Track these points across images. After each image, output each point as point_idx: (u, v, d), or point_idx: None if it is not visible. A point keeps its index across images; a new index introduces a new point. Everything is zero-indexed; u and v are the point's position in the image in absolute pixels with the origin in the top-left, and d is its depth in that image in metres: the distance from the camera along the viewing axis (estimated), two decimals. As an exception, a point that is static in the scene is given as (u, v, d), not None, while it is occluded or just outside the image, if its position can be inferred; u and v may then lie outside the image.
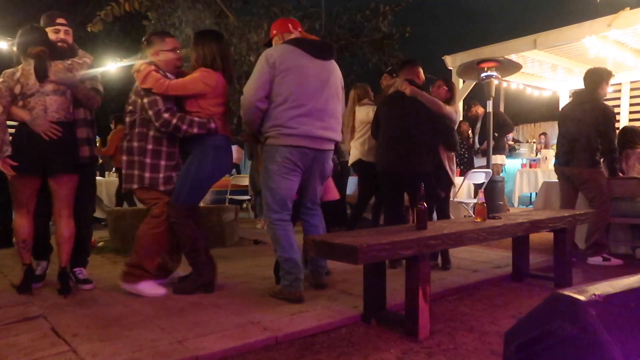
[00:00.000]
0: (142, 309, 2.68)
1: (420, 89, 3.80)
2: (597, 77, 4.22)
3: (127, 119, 3.04)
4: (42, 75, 2.92)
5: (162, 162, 2.99)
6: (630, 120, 8.27)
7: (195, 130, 2.90)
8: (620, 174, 4.34)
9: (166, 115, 2.87)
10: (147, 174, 2.96)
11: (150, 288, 2.97)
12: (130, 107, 3.01)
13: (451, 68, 7.63)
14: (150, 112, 2.89)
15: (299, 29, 3.06)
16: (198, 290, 2.99)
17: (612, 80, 4.37)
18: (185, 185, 2.95)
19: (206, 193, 3.17)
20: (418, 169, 3.61)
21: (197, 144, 2.98)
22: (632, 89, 8.41)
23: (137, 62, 3.04)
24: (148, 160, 2.95)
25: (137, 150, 2.96)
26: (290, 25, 3.06)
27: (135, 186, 2.97)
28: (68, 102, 3.04)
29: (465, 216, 5.50)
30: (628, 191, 4.21)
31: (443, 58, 7.76)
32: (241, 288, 3.18)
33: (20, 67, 2.97)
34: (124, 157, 3.02)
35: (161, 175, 2.98)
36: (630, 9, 5.59)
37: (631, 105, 8.46)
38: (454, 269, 3.71)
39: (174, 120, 2.87)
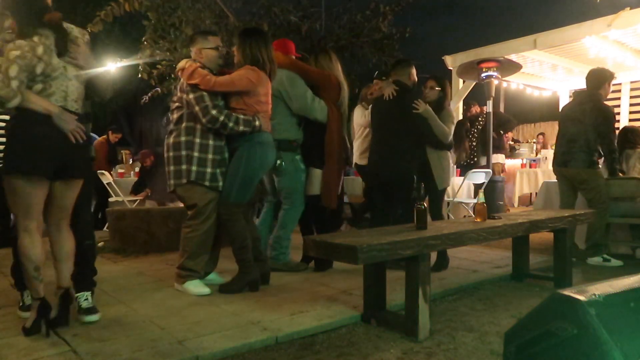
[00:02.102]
0: (142, 309, 2.68)
1: (408, 90, 3.70)
2: (599, 78, 4.22)
3: (174, 115, 3.06)
4: (63, 50, 2.31)
5: (209, 156, 3.01)
6: (630, 120, 8.26)
7: (241, 128, 2.94)
8: (621, 174, 4.34)
9: (214, 111, 2.90)
10: (194, 168, 2.97)
11: (194, 287, 3.01)
12: (177, 104, 3.04)
13: (451, 68, 7.62)
14: (197, 108, 2.91)
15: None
16: (244, 288, 3.02)
17: (612, 81, 4.36)
18: (235, 182, 3.00)
19: (254, 189, 3.18)
20: (395, 172, 3.59)
21: (243, 141, 3.02)
22: (632, 89, 8.40)
23: (182, 61, 3.05)
24: (196, 154, 2.97)
25: (185, 144, 2.98)
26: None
27: (184, 181, 2.98)
28: (82, 92, 2.49)
29: (465, 216, 5.50)
30: (628, 191, 4.21)
31: (443, 58, 7.75)
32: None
33: (37, 39, 2.22)
34: (170, 154, 3.02)
35: (208, 170, 3.00)
36: (630, 9, 5.59)
37: (631, 105, 8.46)
38: (454, 269, 3.71)
39: (222, 117, 2.90)
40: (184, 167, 2.97)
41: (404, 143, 3.61)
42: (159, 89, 10.12)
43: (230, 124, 2.91)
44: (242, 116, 2.97)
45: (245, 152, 3.01)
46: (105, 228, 6.01)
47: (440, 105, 3.76)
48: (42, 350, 2.09)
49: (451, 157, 3.98)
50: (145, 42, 8.57)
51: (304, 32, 10.00)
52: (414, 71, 3.82)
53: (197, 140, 2.98)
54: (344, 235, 2.53)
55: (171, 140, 3.03)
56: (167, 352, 2.07)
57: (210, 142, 3.01)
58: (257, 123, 2.98)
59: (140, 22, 9.05)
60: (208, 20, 9.09)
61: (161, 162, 7.82)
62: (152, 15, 8.65)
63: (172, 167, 3.02)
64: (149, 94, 10.13)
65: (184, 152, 2.98)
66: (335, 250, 2.20)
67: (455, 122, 3.92)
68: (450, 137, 3.76)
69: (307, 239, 2.36)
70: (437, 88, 3.81)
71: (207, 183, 2.99)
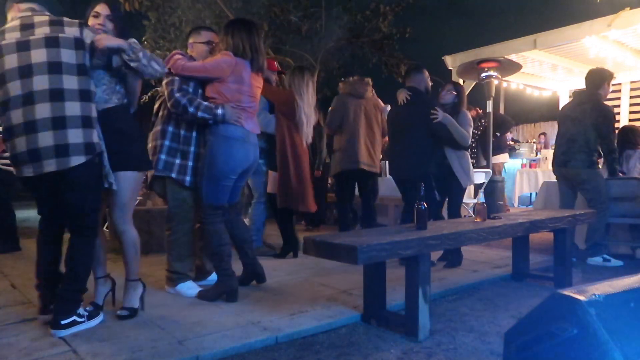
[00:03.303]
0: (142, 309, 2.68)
1: (421, 95, 3.94)
2: (598, 78, 4.22)
3: (156, 105, 3.02)
4: None
5: (180, 147, 2.91)
6: (630, 120, 8.26)
7: (200, 113, 2.75)
8: (621, 175, 4.34)
9: (177, 94, 2.78)
10: (162, 156, 2.89)
11: (187, 289, 2.99)
12: (159, 94, 3.02)
13: (451, 68, 7.61)
14: (166, 92, 2.85)
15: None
16: (220, 297, 2.86)
17: (612, 81, 4.36)
18: (203, 181, 2.86)
19: (229, 190, 2.93)
20: (411, 172, 3.86)
21: (209, 134, 2.84)
22: (632, 89, 8.40)
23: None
24: (167, 143, 2.90)
25: (160, 133, 2.93)
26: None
27: (154, 172, 2.90)
28: None
29: (465, 216, 5.50)
30: (628, 191, 4.21)
31: (443, 58, 7.75)
32: (241, 288, 3.17)
33: None
34: (150, 144, 2.96)
35: (177, 161, 2.90)
36: (630, 9, 5.58)
37: (631, 105, 8.45)
38: (454, 269, 3.72)
39: (183, 101, 2.76)
40: (155, 156, 2.89)
41: (421, 145, 3.83)
42: (158, 88, 10.15)
43: (191, 109, 2.75)
44: (205, 103, 2.78)
45: (210, 146, 2.82)
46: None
47: (456, 109, 3.95)
48: (42, 350, 2.09)
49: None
50: (145, 42, 8.59)
51: (304, 32, 10.00)
52: (426, 77, 4.02)
53: (170, 129, 2.91)
54: (344, 235, 2.53)
55: (151, 131, 3.00)
56: (167, 352, 2.07)
57: (182, 131, 2.92)
58: (219, 111, 2.75)
59: (140, 22, 9.06)
60: (208, 20, 9.10)
61: None
62: (152, 15, 8.67)
63: (151, 157, 2.89)
64: (149, 94, 10.14)
65: (158, 142, 2.92)
66: (335, 250, 2.20)
67: (472, 124, 4.07)
68: (469, 140, 3.96)
69: (307, 239, 2.36)
70: (453, 92, 4.02)
71: (174, 175, 2.90)
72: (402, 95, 3.92)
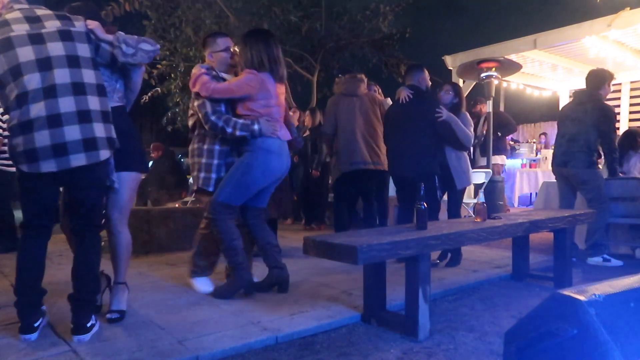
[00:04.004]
0: (142, 309, 2.68)
1: (423, 94, 3.89)
2: (599, 78, 4.23)
3: (190, 122, 3.11)
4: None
5: (215, 162, 3.00)
6: (630, 120, 8.27)
7: (238, 132, 2.87)
8: (621, 175, 4.34)
9: (213, 117, 2.88)
10: (202, 174, 3.00)
11: (200, 284, 3.05)
12: (191, 111, 3.07)
13: (451, 68, 7.62)
14: (200, 115, 2.93)
15: None
16: (237, 292, 2.92)
17: (612, 82, 4.37)
18: (229, 184, 2.92)
19: (251, 195, 3.01)
20: (416, 171, 3.72)
21: (248, 146, 2.94)
22: (632, 89, 8.41)
23: (195, 66, 3.05)
24: (204, 160, 3.00)
25: (197, 151, 3.03)
26: None
27: (195, 187, 3.05)
28: None
29: (465, 216, 5.50)
30: (628, 191, 4.21)
31: (443, 58, 7.75)
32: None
33: None
34: (190, 161, 3.11)
35: (213, 176, 2.99)
36: (630, 9, 5.59)
37: (631, 105, 8.46)
38: (454, 269, 3.72)
39: (220, 124, 2.87)
40: (195, 174, 3.05)
41: (425, 144, 3.76)
42: (159, 89, 10.13)
43: (229, 129, 2.87)
44: (241, 121, 2.90)
45: (248, 157, 2.93)
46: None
47: (456, 110, 3.92)
48: (42, 350, 2.09)
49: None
50: (145, 42, 8.57)
51: (304, 32, 10.00)
52: (426, 75, 3.97)
53: (205, 146, 3.01)
54: (344, 235, 2.53)
55: (189, 147, 3.11)
56: (167, 352, 2.07)
57: (216, 147, 3.01)
58: (255, 127, 2.88)
59: (140, 22, 9.05)
60: (208, 20, 9.09)
61: (168, 155, 7.81)
62: (152, 15, 8.66)
63: (192, 174, 3.13)
64: (149, 94, 10.14)
65: (196, 159, 3.04)
66: (335, 250, 2.20)
67: (472, 124, 4.06)
68: (473, 140, 3.94)
69: (307, 239, 2.36)
70: (451, 92, 4.01)
71: (211, 189, 2.99)
72: (404, 94, 3.86)
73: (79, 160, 2.11)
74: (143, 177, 3.07)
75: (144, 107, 10.89)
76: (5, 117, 2.63)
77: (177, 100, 10.37)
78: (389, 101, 4.50)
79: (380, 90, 4.86)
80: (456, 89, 4.09)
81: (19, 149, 2.09)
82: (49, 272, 2.47)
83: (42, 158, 2.07)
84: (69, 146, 2.08)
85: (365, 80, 4.45)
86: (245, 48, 2.99)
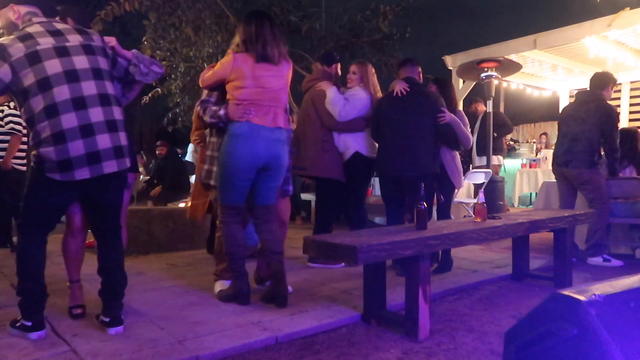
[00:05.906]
0: (142, 309, 2.68)
1: (421, 87, 3.71)
2: (603, 80, 4.28)
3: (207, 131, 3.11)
4: None
5: (215, 154, 2.92)
6: (630, 120, 8.27)
7: (207, 119, 2.79)
8: (621, 175, 4.34)
9: (198, 107, 2.89)
10: (206, 166, 2.98)
11: (218, 286, 3.02)
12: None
13: (451, 68, 7.62)
14: None
15: None
16: (230, 300, 2.80)
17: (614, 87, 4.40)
18: (219, 181, 2.83)
19: (243, 190, 2.79)
20: (420, 171, 3.52)
21: (223, 134, 2.81)
22: (632, 89, 8.41)
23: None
24: (208, 152, 2.99)
25: (210, 144, 3.00)
26: None
27: (205, 181, 2.98)
28: None
29: (465, 216, 5.50)
30: (628, 191, 4.21)
31: (443, 58, 7.75)
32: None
33: None
34: (207, 153, 3.03)
35: (214, 168, 2.92)
36: (630, 9, 5.59)
37: (631, 105, 8.46)
38: (454, 269, 3.71)
39: (201, 112, 2.85)
40: (206, 166, 3.01)
41: (427, 145, 3.56)
42: (159, 89, 10.12)
43: (205, 117, 2.81)
44: (214, 107, 2.78)
45: (222, 146, 2.77)
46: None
47: (451, 110, 3.73)
48: (42, 350, 2.09)
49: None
50: (145, 42, 8.57)
51: (304, 32, 9.99)
52: (419, 71, 3.81)
53: (212, 139, 3.00)
54: (344, 235, 2.53)
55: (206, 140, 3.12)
56: (167, 352, 2.07)
57: (214, 139, 2.96)
58: (221, 112, 2.71)
59: (140, 22, 9.05)
60: (208, 20, 9.08)
61: (173, 153, 7.75)
62: (152, 15, 8.64)
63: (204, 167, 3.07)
64: (149, 94, 10.13)
65: (209, 152, 3.00)
66: (335, 250, 2.20)
67: (468, 123, 3.93)
68: (471, 141, 3.85)
69: (307, 239, 2.36)
70: (433, 86, 3.85)
71: (212, 182, 2.94)
72: (399, 87, 3.58)
73: (111, 167, 2.24)
74: (147, 178, 3.12)
75: (144, 107, 10.89)
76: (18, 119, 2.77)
77: (178, 100, 10.36)
78: (331, 91, 3.87)
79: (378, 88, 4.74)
80: (441, 86, 3.86)
81: (51, 158, 2.12)
82: (49, 272, 2.48)
83: (76, 167, 2.16)
84: (102, 154, 2.21)
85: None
86: (238, 35, 2.83)
